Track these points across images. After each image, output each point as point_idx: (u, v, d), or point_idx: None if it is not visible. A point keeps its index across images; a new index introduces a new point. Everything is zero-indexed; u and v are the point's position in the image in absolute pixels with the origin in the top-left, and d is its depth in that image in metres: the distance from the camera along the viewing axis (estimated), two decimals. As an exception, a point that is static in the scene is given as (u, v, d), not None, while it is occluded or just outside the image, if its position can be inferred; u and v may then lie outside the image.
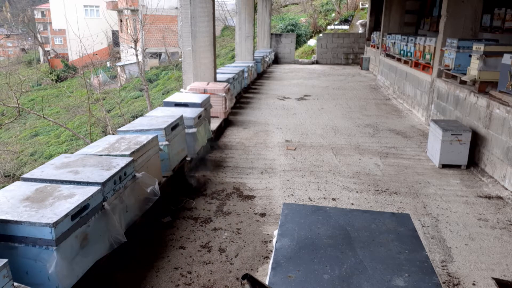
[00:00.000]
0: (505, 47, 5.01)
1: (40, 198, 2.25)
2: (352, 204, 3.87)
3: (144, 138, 3.36)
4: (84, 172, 2.62)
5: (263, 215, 3.63)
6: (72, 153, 3.33)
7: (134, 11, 23.91)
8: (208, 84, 6.45)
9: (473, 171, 4.76)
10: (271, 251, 2.53)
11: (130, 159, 2.90)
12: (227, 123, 6.82)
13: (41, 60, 34.92)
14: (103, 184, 2.48)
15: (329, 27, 21.84)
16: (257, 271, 2.79)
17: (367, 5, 19.44)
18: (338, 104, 8.70)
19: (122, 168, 2.75)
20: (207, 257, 2.95)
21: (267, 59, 14.49)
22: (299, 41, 20.85)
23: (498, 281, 2.35)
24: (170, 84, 19.51)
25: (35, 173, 2.62)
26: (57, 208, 2.13)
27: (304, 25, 22.59)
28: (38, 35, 36.10)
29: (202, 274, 2.75)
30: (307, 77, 12.99)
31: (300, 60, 18.05)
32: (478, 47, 5.16)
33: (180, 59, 18.66)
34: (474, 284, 2.70)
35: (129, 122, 4.71)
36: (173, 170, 3.97)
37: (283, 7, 28.95)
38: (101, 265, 2.49)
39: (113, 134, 5.95)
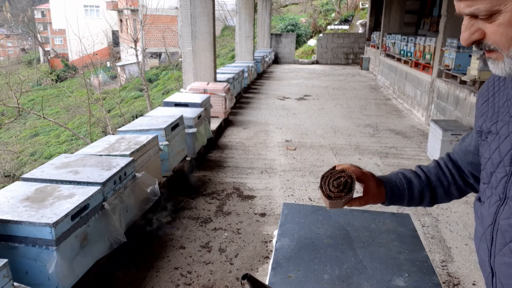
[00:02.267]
0: (505, 47, 5.00)
1: (40, 198, 2.25)
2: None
3: (144, 138, 3.36)
4: (84, 172, 2.62)
5: (263, 215, 3.63)
6: (72, 153, 3.33)
7: (134, 11, 23.90)
8: (208, 84, 6.45)
9: (473, 171, 4.75)
10: (271, 251, 2.53)
11: (130, 159, 2.90)
12: (227, 123, 6.82)
13: (41, 60, 34.93)
14: (103, 184, 2.48)
15: (329, 27, 21.84)
16: (257, 271, 2.79)
17: (367, 5, 19.44)
18: (338, 104, 8.71)
19: (122, 168, 2.75)
20: (207, 257, 2.95)
21: (267, 59, 14.49)
22: (299, 41, 20.85)
23: None
24: (170, 84, 19.51)
25: (35, 173, 2.62)
26: (57, 208, 2.13)
27: (304, 25, 22.59)
28: (38, 35, 36.10)
29: (202, 274, 2.75)
30: (307, 77, 13.00)
31: (300, 60, 18.05)
32: (478, 47, 5.16)
33: (180, 59, 18.65)
34: (474, 284, 2.70)
35: (129, 122, 4.71)
36: (173, 170, 3.97)
37: (283, 7, 28.95)
38: (101, 265, 2.49)
39: (113, 134, 5.95)
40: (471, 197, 4.06)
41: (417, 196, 1.19)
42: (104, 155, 3.02)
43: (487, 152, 0.88)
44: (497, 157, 0.83)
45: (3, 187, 2.68)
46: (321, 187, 1.06)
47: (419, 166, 1.23)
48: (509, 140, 0.81)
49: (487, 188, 0.88)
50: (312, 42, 20.52)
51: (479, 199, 0.94)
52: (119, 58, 30.19)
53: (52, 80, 28.22)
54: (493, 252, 0.83)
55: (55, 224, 2.00)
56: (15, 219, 2.02)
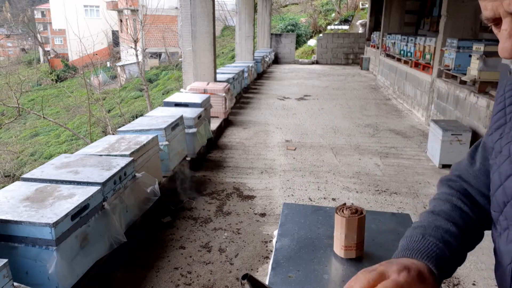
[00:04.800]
0: (505, 47, 5.00)
1: (40, 198, 2.24)
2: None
3: (144, 138, 3.36)
4: (84, 172, 2.62)
5: (263, 215, 3.63)
6: (72, 153, 3.33)
7: (134, 11, 23.89)
8: (208, 84, 6.44)
9: (473, 171, 4.75)
10: (271, 251, 2.53)
11: (130, 159, 2.90)
12: (227, 123, 6.82)
13: (41, 60, 34.91)
14: (103, 184, 2.48)
15: (329, 27, 21.84)
16: (257, 271, 2.79)
17: (367, 5, 19.44)
18: (338, 104, 8.70)
19: (122, 168, 2.75)
20: (207, 257, 2.95)
21: (267, 59, 14.48)
22: (299, 41, 20.84)
23: None
24: (170, 84, 19.50)
25: (35, 173, 2.62)
26: (57, 208, 2.13)
27: (304, 25, 22.59)
28: (38, 35, 36.08)
29: (202, 274, 2.75)
30: (307, 77, 12.99)
31: (300, 60, 18.05)
32: (478, 47, 5.16)
33: (180, 59, 18.65)
34: (474, 284, 2.70)
35: (129, 122, 4.71)
36: (173, 170, 3.97)
37: (283, 7, 28.95)
38: (101, 265, 2.49)
39: (113, 134, 5.95)
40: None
41: (461, 255, 0.83)
42: (104, 155, 3.02)
43: (497, 177, 0.72)
44: (510, 186, 0.67)
45: (3, 187, 2.67)
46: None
47: (446, 219, 0.84)
48: None
49: (501, 218, 0.72)
50: (312, 42, 20.51)
51: (495, 226, 0.76)
52: (119, 58, 30.18)
53: (52, 80, 28.21)
54: None
55: (55, 224, 2.00)
56: (15, 219, 2.02)
